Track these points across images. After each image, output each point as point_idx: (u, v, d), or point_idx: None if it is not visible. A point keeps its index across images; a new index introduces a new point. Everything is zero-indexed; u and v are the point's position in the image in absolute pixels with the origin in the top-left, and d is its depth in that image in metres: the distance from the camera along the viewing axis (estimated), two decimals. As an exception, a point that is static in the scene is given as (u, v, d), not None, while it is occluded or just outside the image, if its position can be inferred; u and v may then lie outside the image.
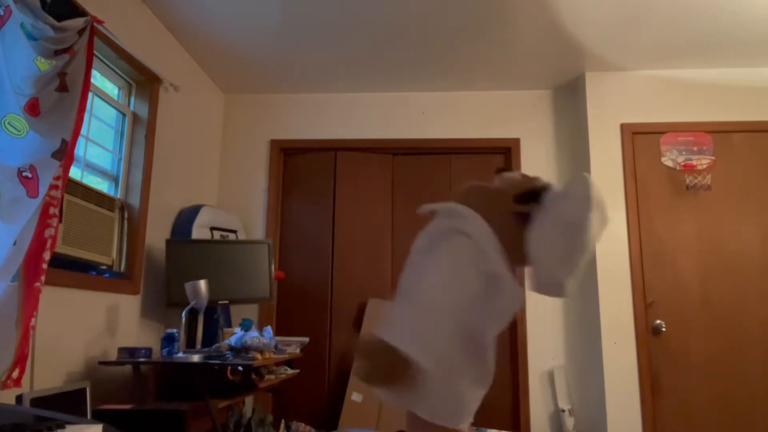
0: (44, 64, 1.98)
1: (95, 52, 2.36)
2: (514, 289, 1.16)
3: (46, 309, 2.17)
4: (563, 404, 3.49)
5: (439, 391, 1.15)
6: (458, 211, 1.20)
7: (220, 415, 2.56)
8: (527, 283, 1.21)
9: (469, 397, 1.17)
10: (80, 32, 2.15)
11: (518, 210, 1.21)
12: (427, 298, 1.13)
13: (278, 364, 3.06)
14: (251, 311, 3.76)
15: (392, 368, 1.09)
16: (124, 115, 3.00)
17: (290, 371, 3.17)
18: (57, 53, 2.02)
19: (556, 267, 1.16)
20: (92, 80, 2.49)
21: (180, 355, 2.52)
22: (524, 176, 1.32)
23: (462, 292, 1.13)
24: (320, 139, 4.02)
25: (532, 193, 1.22)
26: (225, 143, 4.07)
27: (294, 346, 3.17)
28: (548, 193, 1.21)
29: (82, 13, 2.31)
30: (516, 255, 1.20)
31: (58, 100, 2.01)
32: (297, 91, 4.05)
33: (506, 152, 3.94)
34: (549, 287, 1.18)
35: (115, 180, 2.92)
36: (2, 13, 1.87)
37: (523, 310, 1.32)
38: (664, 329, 3.36)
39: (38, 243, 1.89)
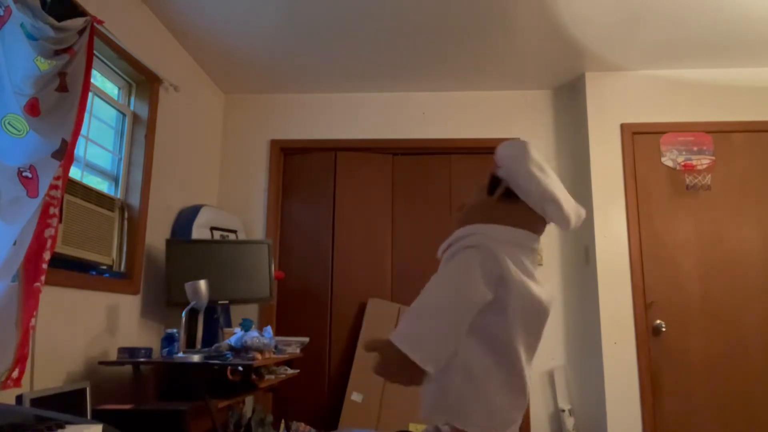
0: (44, 64, 1.98)
1: (95, 52, 2.36)
2: (523, 286, 1.20)
3: (46, 309, 2.17)
4: (563, 404, 3.49)
5: (467, 396, 1.18)
6: (462, 234, 1.27)
7: (220, 415, 2.56)
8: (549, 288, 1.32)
9: (502, 404, 1.20)
10: (80, 32, 2.15)
11: (497, 193, 1.31)
12: (424, 300, 1.20)
13: (278, 364, 3.06)
14: (251, 311, 3.76)
15: (399, 366, 1.16)
16: (124, 115, 3.00)
17: (290, 371, 3.17)
18: (57, 53, 2.02)
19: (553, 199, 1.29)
20: (92, 80, 2.49)
21: (180, 355, 2.52)
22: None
23: (461, 294, 1.17)
24: (320, 139, 4.02)
25: (494, 177, 1.33)
26: (225, 143, 4.07)
27: (294, 346, 3.17)
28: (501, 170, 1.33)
29: (82, 13, 2.31)
30: (531, 222, 1.29)
31: (58, 100, 2.01)
32: (297, 91, 4.05)
33: (506, 152, 3.93)
34: (562, 219, 1.30)
35: (115, 180, 2.92)
36: (2, 13, 1.87)
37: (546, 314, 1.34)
38: (664, 329, 3.35)
39: (38, 243, 1.89)
